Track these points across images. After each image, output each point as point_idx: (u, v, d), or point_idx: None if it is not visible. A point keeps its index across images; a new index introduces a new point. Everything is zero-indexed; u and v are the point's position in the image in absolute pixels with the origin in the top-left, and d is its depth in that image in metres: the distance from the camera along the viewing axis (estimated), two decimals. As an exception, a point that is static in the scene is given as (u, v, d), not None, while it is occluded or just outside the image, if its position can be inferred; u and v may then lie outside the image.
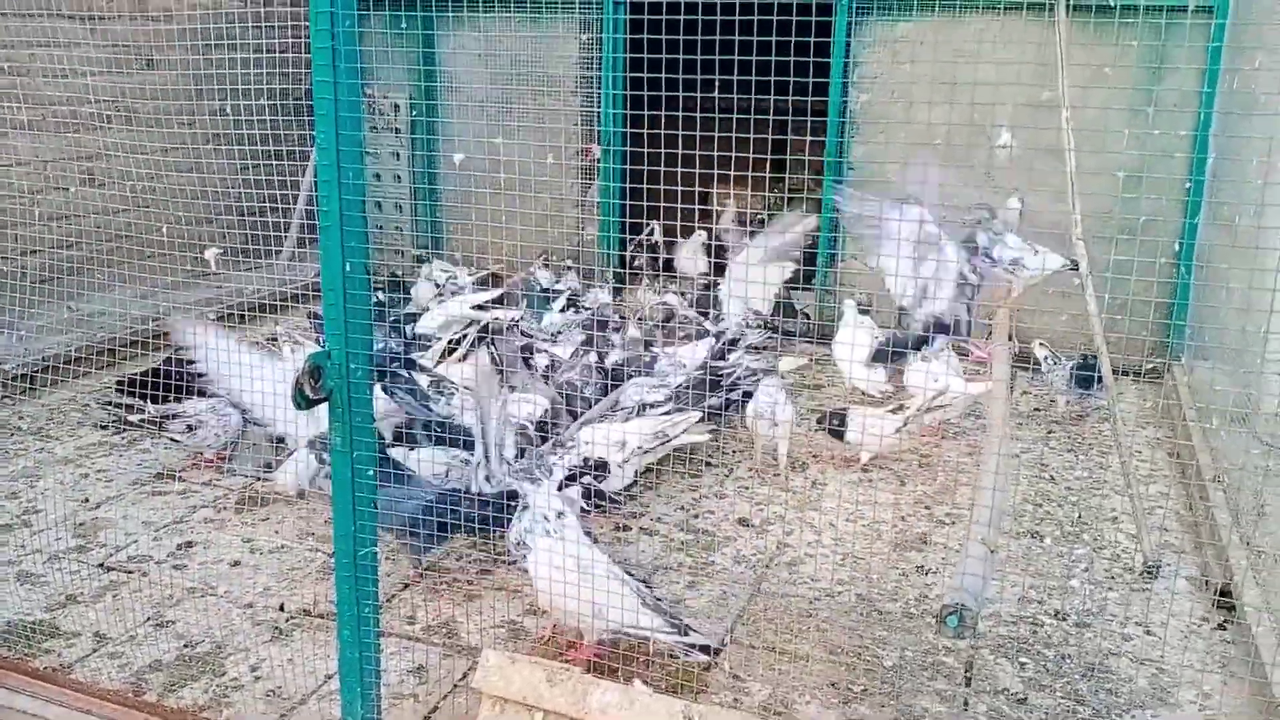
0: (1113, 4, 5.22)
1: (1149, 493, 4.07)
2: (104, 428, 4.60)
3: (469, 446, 3.62)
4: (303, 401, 1.91)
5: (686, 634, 2.61)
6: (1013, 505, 3.91)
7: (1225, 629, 3.11)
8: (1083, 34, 5.30)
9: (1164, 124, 5.36)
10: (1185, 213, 5.33)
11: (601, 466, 3.55)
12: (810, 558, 3.54)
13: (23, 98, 5.41)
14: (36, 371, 5.06)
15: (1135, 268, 5.04)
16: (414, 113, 6.93)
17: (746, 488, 4.09)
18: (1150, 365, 5.42)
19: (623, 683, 2.00)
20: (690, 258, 6.66)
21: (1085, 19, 5.30)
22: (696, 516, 3.85)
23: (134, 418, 4.19)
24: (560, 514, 2.77)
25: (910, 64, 5.73)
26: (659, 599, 2.77)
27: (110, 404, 4.49)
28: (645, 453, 3.79)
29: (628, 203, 6.50)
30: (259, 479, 4.07)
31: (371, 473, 2.01)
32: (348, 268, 1.89)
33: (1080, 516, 3.87)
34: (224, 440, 4.11)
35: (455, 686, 2.79)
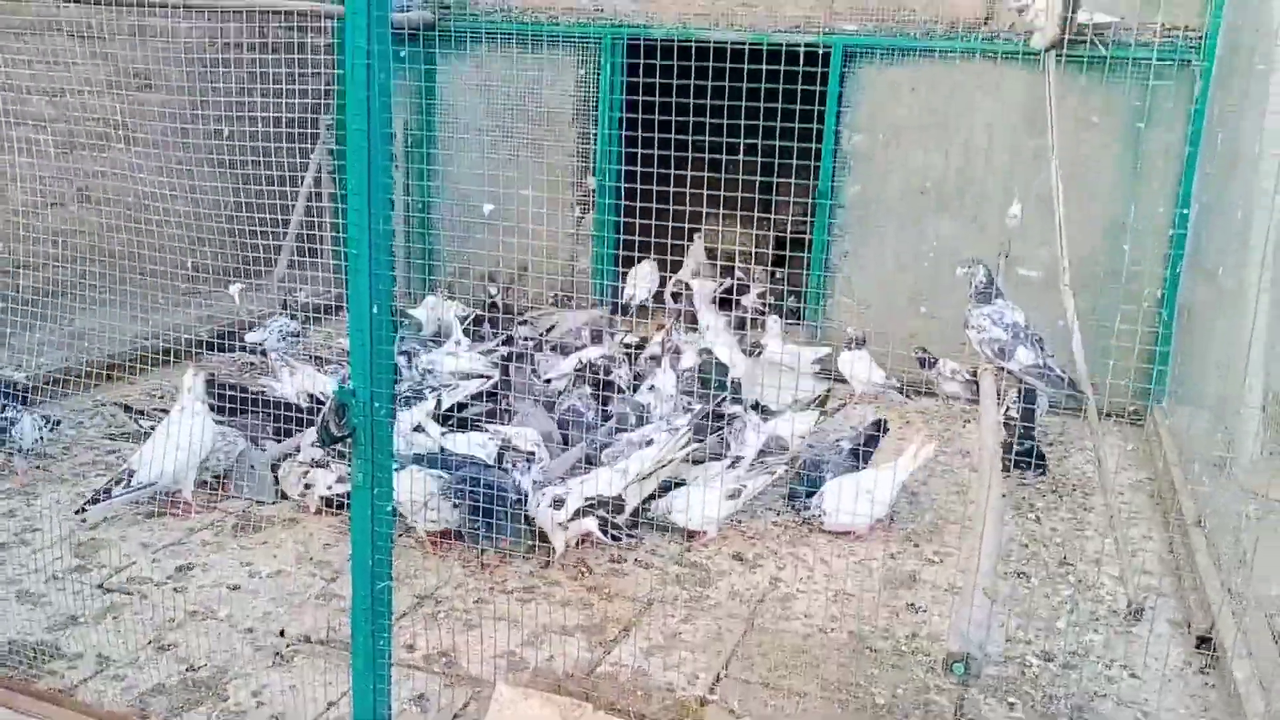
0: (1104, 52, 5.38)
1: (1131, 535, 4.17)
2: (112, 438, 4.64)
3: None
4: (328, 438, 1.96)
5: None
6: (1000, 545, 3.99)
7: (1206, 673, 3.19)
8: (1072, 84, 5.47)
9: (1150, 174, 5.52)
10: (1168, 263, 5.48)
11: (619, 501, 3.62)
12: (803, 594, 3.61)
13: (21, 116, 5.46)
14: (33, 387, 5.08)
15: (1120, 314, 5.18)
16: (410, 142, 7.00)
17: (739, 522, 4.15)
18: (1133, 408, 5.54)
19: None
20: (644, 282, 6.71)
21: (1074, 70, 5.46)
22: (690, 550, 3.92)
23: (145, 424, 4.24)
24: None
25: (902, 109, 5.87)
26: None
27: (127, 409, 4.55)
28: (644, 479, 3.85)
29: (621, 236, 6.60)
30: (258, 502, 4.11)
31: (390, 509, 2.07)
32: (375, 310, 1.95)
33: (1065, 558, 3.96)
34: (224, 465, 4.14)
35: (455, 717, 2.83)
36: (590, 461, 4.08)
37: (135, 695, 2.85)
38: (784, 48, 5.17)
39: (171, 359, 5.58)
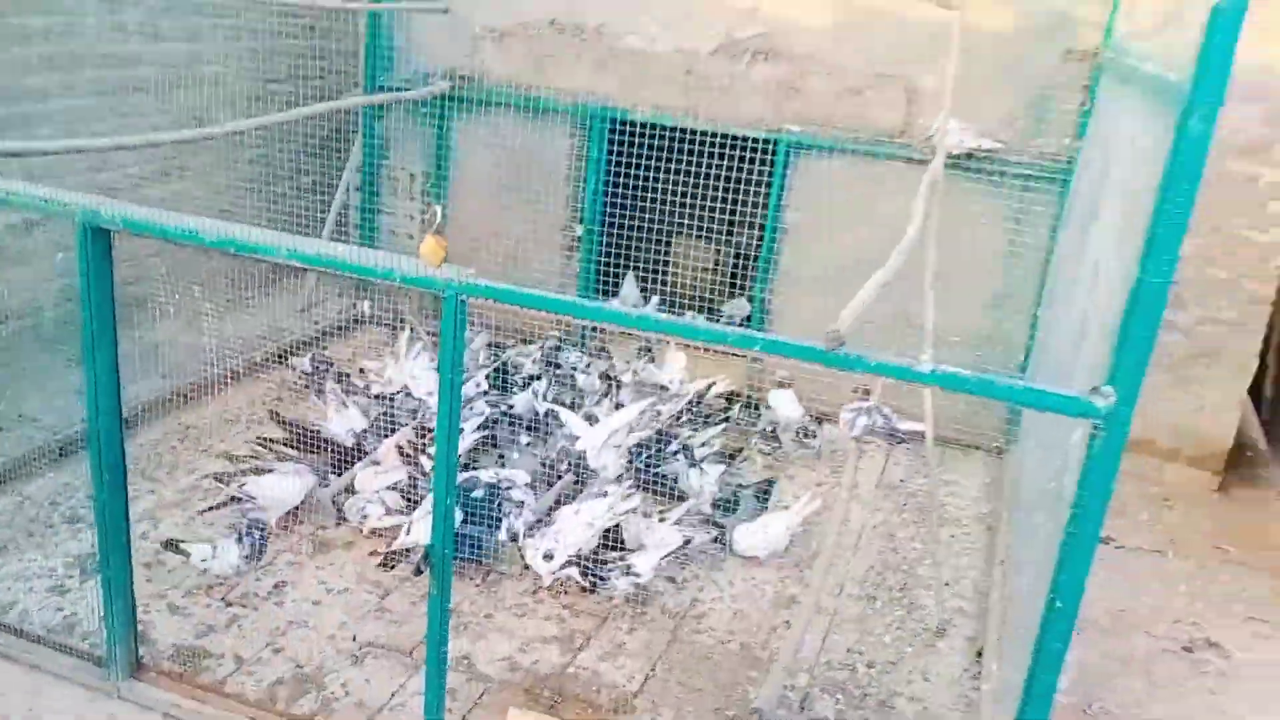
0: (989, 169, 6.77)
1: (960, 564, 5.72)
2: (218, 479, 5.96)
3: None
4: (418, 572, 3.43)
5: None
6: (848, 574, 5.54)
7: (975, 679, 4.76)
8: (967, 188, 6.82)
9: (1023, 263, 6.92)
10: (1030, 331, 6.93)
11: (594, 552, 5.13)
12: (713, 611, 5.15)
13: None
14: (134, 412, 6.48)
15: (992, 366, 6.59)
16: (427, 183, 8.31)
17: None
18: (997, 444, 7.06)
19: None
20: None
21: (971, 177, 6.82)
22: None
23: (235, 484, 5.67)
24: None
25: (832, 195, 7.22)
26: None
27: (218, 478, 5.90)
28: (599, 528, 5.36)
29: (604, 273, 8.00)
30: (322, 528, 5.59)
31: (449, 606, 3.55)
32: (447, 502, 3.39)
33: (906, 583, 5.51)
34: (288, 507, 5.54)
35: (475, 704, 4.37)
36: (561, 501, 5.57)
37: (265, 686, 4.37)
38: (737, 139, 6.63)
39: (237, 378, 7.04)
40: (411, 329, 7.23)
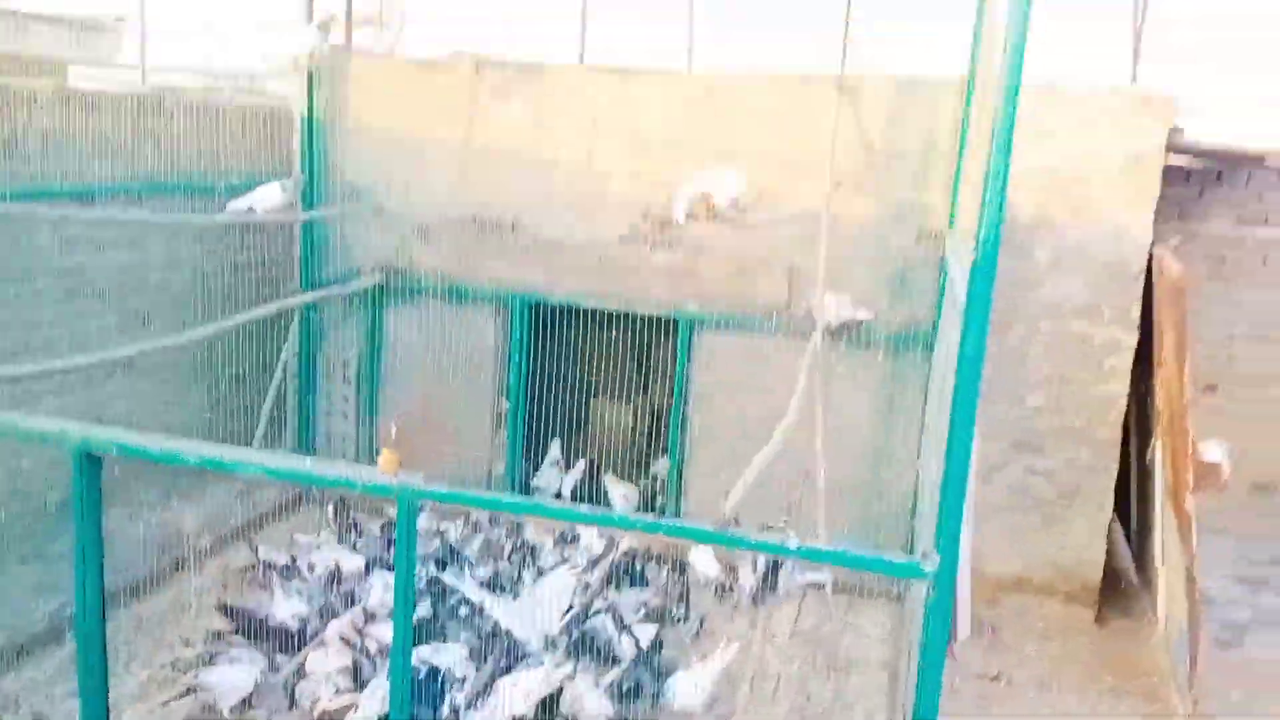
0: (862, 336, 7.67)
1: (869, 707, 6.30)
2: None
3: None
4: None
5: None
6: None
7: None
8: (846, 356, 7.68)
9: (902, 417, 7.77)
10: (915, 484, 7.71)
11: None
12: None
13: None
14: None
15: (881, 520, 7.37)
16: (361, 368, 8.91)
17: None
18: (895, 590, 7.75)
19: None
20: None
21: (850, 345, 7.70)
22: None
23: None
24: None
25: (730, 364, 8.04)
26: None
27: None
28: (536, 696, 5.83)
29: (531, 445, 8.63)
30: (275, 713, 5.94)
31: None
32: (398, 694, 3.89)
33: (817, 735, 6.07)
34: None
35: None
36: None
37: None
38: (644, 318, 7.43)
39: (183, 566, 7.39)
40: (355, 523, 7.73)
